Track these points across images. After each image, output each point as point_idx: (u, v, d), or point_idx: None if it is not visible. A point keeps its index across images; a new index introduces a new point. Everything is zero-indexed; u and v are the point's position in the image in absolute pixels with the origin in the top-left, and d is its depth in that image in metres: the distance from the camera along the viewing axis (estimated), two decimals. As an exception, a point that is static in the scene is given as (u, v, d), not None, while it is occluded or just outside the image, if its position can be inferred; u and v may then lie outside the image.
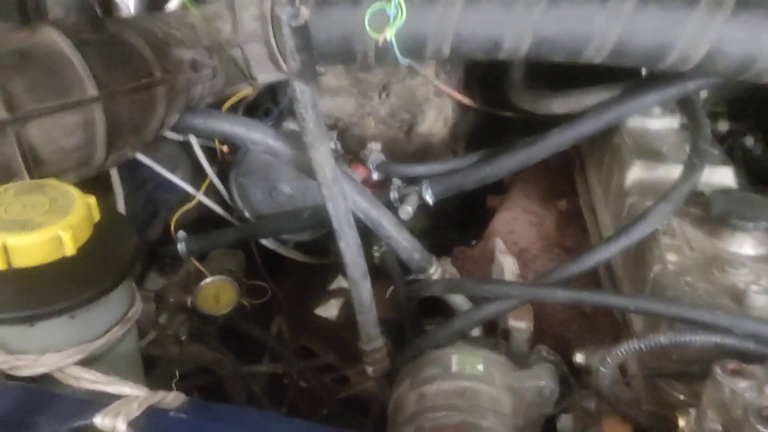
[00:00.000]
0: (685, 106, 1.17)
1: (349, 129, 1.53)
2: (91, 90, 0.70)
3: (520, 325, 1.06)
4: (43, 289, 0.59)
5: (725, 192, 0.98)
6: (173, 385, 1.20)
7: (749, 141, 1.38)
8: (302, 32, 0.74)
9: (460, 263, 1.41)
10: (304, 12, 0.72)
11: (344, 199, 0.94)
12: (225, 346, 1.53)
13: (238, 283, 1.60)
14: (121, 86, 0.72)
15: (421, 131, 1.54)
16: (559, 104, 1.27)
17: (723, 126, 1.30)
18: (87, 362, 0.62)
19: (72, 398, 0.58)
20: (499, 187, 1.56)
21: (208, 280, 1.49)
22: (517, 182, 1.54)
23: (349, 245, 0.96)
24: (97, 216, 0.64)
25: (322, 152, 0.89)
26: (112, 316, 0.65)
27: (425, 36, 0.98)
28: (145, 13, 1.01)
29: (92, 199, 0.64)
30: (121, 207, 1.15)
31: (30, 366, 0.59)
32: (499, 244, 1.24)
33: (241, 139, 1.00)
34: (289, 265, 1.81)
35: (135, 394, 0.57)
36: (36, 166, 0.69)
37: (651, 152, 1.16)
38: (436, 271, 1.10)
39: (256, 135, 0.99)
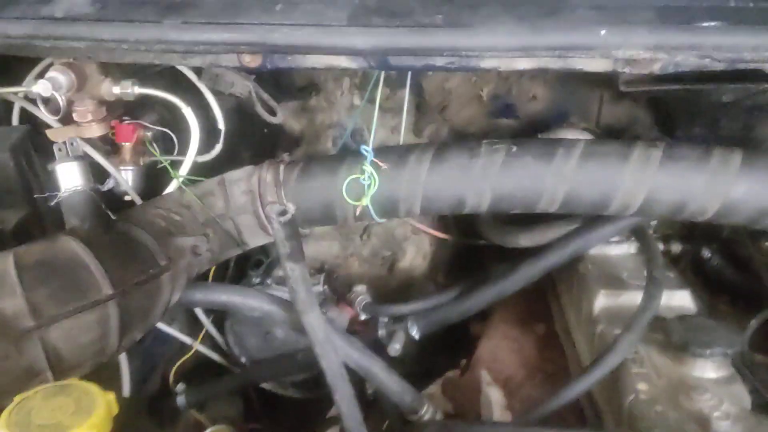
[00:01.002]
0: (637, 235, 1.29)
1: (334, 271, 1.63)
2: (106, 289, 0.79)
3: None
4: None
5: (683, 319, 1.07)
6: None
7: (706, 253, 1.49)
8: (290, 225, 0.84)
9: (450, 393, 1.47)
10: (291, 208, 0.83)
11: (336, 355, 1.02)
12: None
13: (237, 428, 1.64)
14: (131, 281, 0.82)
15: (402, 267, 1.64)
16: (525, 238, 1.38)
17: (676, 247, 1.42)
18: None
19: None
20: (481, 312, 1.65)
21: (210, 430, 1.53)
22: (496, 308, 1.62)
23: (343, 398, 1.04)
24: (115, 410, 0.71)
25: (313, 317, 0.98)
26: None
27: (397, 199, 1.09)
28: (147, 202, 1.12)
29: (111, 396, 0.72)
30: (126, 379, 1.21)
31: None
32: (485, 376, 1.32)
33: (238, 307, 1.08)
34: (286, 402, 1.84)
35: None
36: (58, 363, 0.76)
37: (613, 280, 1.26)
38: (427, 411, 1.17)
39: (252, 302, 1.08)
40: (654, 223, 1.34)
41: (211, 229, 1.12)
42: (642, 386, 1.00)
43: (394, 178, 1.08)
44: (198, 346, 1.64)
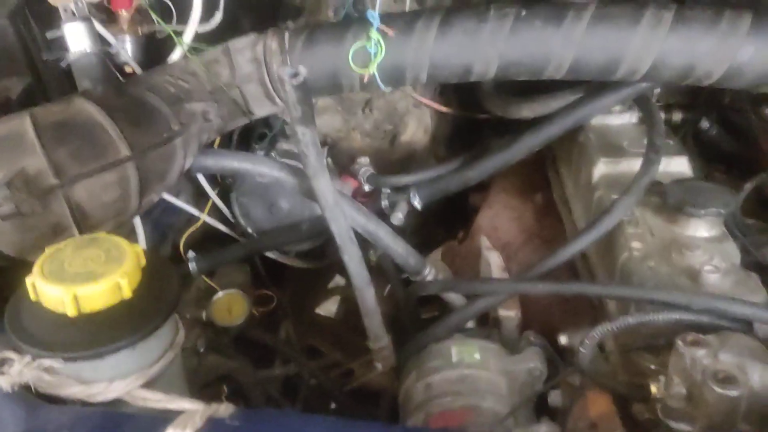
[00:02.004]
0: (640, 103, 1.30)
1: (337, 144, 1.65)
2: (124, 150, 0.81)
3: (509, 314, 1.19)
4: (108, 328, 0.70)
5: (679, 182, 1.11)
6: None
7: (705, 124, 1.51)
8: (301, 88, 0.85)
9: (449, 259, 1.54)
10: (303, 70, 0.83)
11: (345, 219, 1.06)
12: (240, 354, 1.64)
13: (247, 294, 1.72)
14: (147, 143, 0.84)
15: (404, 140, 1.66)
16: (528, 109, 1.39)
17: (677, 116, 1.43)
18: (148, 385, 0.74)
19: (143, 417, 0.69)
20: (480, 184, 1.69)
21: (220, 294, 1.61)
22: (496, 179, 1.66)
23: (352, 258, 1.09)
24: (143, 262, 0.75)
25: (323, 182, 1.01)
26: (164, 343, 0.77)
27: (404, 67, 1.09)
28: (154, 69, 1.11)
29: (139, 248, 0.75)
30: (142, 241, 1.26)
31: (103, 392, 0.70)
32: (485, 242, 1.38)
33: (250, 173, 1.11)
34: (291, 272, 1.92)
35: (194, 408, 0.69)
36: (83, 220, 0.80)
37: (613, 148, 1.29)
38: (430, 272, 1.22)
39: (263, 168, 1.10)
40: (657, 91, 1.34)
41: (218, 97, 1.13)
42: (636, 244, 1.05)
43: (401, 45, 1.08)
44: (205, 218, 1.69)
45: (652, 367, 0.94)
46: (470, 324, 1.24)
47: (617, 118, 1.38)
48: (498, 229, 1.47)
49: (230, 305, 1.62)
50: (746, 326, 0.89)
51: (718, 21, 0.99)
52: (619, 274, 1.05)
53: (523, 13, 1.04)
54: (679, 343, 0.85)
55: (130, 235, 1.27)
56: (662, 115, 1.41)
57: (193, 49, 1.17)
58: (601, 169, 1.26)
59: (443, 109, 1.65)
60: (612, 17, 1.01)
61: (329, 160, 1.56)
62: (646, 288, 0.94)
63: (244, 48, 1.15)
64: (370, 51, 1.08)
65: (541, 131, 1.31)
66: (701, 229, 1.06)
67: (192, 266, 1.57)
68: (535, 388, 1.04)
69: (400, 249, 1.19)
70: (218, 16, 1.35)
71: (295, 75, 0.82)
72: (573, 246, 1.07)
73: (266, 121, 1.63)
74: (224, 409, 0.70)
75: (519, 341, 1.09)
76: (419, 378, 1.06)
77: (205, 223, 1.71)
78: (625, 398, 0.93)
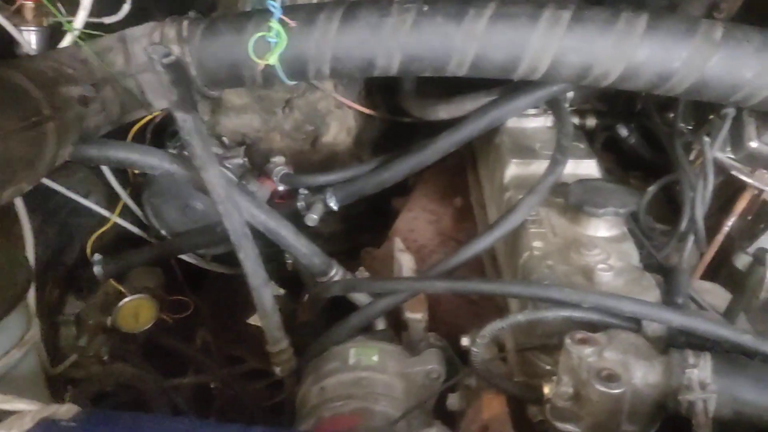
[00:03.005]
0: (552, 107, 1.30)
1: (256, 144, 1.61)
2: (-18, 133, 0.76)
3: (416, 316, 1.16)
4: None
5: (582, 182, 1.10)
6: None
7: (623, 130, 1.52)
8: (175, 68, 0.81)
9: (367, 263, 1.51)
10: (175, 50, 0.79)
11: (239, 214, 1.02)
12: (149, 362, 1.58)
13: (159, 299, 1.65)
14: (11, 126, 0.78)
15: (325, 142, 1.63)
16: (444, 110, 1.38)
17: (591, 121, 1.44)
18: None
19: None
20: (405, 189, 1.67)
21: (127, 299, 1.55)
22: (418, 183, 1.65)
23: (248, 256, 1.05)
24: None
25: (213, 173, 0.97)
26: (8, 341, 0.71)
27: (306, 59, 1.07)
28: (39, 54, 1.06)
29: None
30: (28, 236, 1.19)
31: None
32: (398, 244, 1.35)
33: (137, 165, 1.06)
34: (212, 278, 1.86)
35: (28, 409, 0.64)
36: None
37: (525, 150, 1.29)
38: (336, 273, 1.19)
39: (151, 160, 1.05)
40: (571, 96, 1.34)
41: (110, 87, 1.08)
42: (537, 244, 1.04)
43: (303, 36, 1.05)
44: (116, 219, 1.63)
45: (548, 367, 0.92)
46: (381, 325, 1.22)
47: (532, 121, 1.38)
48: (414, 232, 1.45)
49: (137, 311, 1.56)
50: (635, 324, 0.88)
51: (614, 21, 0.99)
52: (520, 273, 1.04)
53: (425, 8, 1.02)
54: (568, 341, 0.84)
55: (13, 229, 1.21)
56: (576, 120, 1.43)
57: (89, 36, 1.13)
58: (513, 170, 1.25)
59: (366, 110, 1.63)
60: (512, 15, 1.01)
61: (245, 160, 1.52)
62: (538, 285, 0.92)
63: (141, 36, 1.11)
64: (270, 42, 1.04)
65: (455, 133, 1.30)
66: (601, 229, 1.06)
67: (97, 269, 1.51)
68: (433, 391, 1.01)
69: (303, 248, 1.16)
70: (126, 8, 1.31)
71: (166, 54, 0.78)
72: (477, 244, 1.05)
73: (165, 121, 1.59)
74: (65, 411, 0.65)
75: (419, 343, 1.06)
76: (315, 381, 1.02)
77: (118, 226, 1.65)
78: (520, 400, 0.91)
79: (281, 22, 1.04)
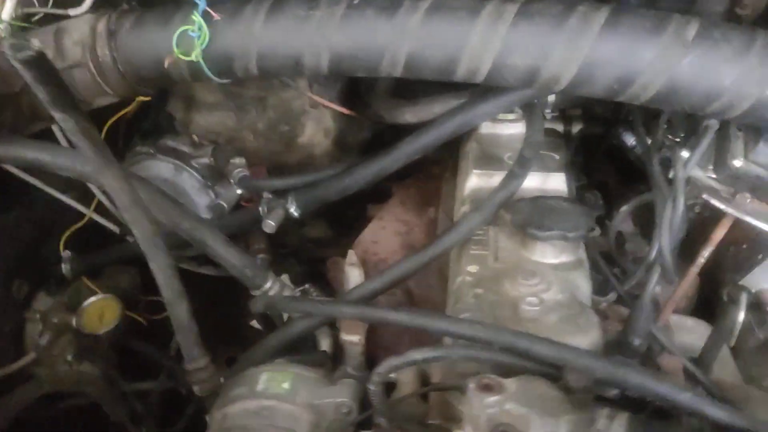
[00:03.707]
0: (525, 111, 1.17)
1: (230, 144, 1.53)
2: None
3: (352, 338, 1.07)
4: None
5: (534, 200, 0.97)
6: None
7: (629, 139, 1.36)
8: (37, 64, 0.74)
9: (332, 274, 1.42)
10: (35, 43, 0.72)
11: (148, 222, 0.95)
12: (122, 365, 1.53)
13: (134, 299, 1.61)
14: None
15: (301, 143, 1.54)
16: (411, 113, 1.27)
17: (576, 128, 1.30)
18: None
19: None
20: (382, 194, 1.57)
21: (92, 299, 1.50)
22: (397, 190, 1.54)
23: (160, 267, 0.97)
24: None
25: (111, 177, 0.89)
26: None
27: (232, 56, 0.98)
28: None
29: None
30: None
31: None
32: (350, 256, 1.25)
33: (47, 166, 1.00)
34: (210, 279, 1.80)
35: None
36: None
37: (491, 160, 1.16)
38: (273, 286, 1.10)
39: (62, 161, 0.99)
40: (551, 100, 1.21)
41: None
42: (472, 268, 0.92)
43: (228, 31, 0.97)
44: (93, 215, 1.59)
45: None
46: (325, 345, 1.12)
47: (508, 127, 1.24)
48: (378, 243, 1.34)
49: (102, 311, 1.51)
50: (557, 371, 0.75)
51: (567, 16, 0.86)
52: (451, 300, 0.93)
53: (356, 0, 0.92)
54: (471, 386, 0.72)
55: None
56: (560, 127, 1.29)
57: (20, 30, 1.07)
58: (473, 182, 1.14)
59: (345, 111, 1.53)
60: (450, 9, 0.89)
61: (212, 160, 1.45)
62: (447, 318, 0.81)
63: (73, 30, 1.05)
64: (193, 36, 0.96)
65: (419, 138, 1.19)
66: (548, 254, 0.93)
67: (65, 267, 1.47)
68: (346, 427, 0.91)
69: (234, 259, 1.07)
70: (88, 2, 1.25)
71: (21, 49, 0.71)
72: (401, 266, 0.95)
73: (151, 116, 1.53)
74: None
75: (334, 373, 0.96)
76: (220, 407, 0.93)
77: (97, 224, 1.62)
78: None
79: (205, 15, 0.96)
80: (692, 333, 1.02)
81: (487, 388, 0.72)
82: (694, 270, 0.94)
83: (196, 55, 0.97)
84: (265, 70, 0.98)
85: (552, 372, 0.75)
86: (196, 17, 0.96)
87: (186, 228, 1.04)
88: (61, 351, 1.49)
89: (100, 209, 1.58)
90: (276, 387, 0.93)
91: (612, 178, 1.44)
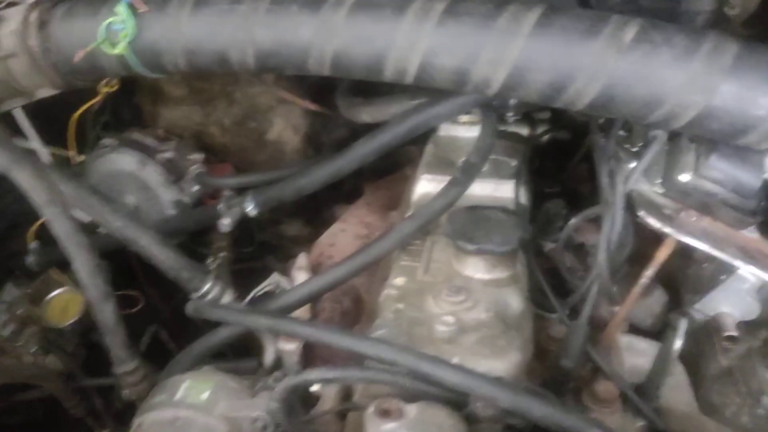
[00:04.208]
0: (482, 113, 1.11)
1: (197, 139, 1.50)
2: None
3: (290, 347, 1.03)
4: None
5: (471, 210, 0.92)
6: None
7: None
8: None
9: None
10: (33, 35, 0.69)
11: (68, 220, 0.92)
12: (89, 359, 1.51)
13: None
14: None
15: (269, 139, 1.50)
16: (367, 113, 1.22)
17: (542, 131, 1.23)
18: None
19: None
20: (352, 193, 1.52)
21: (56, 292, 1.49)
22: (367, 191, 1.49)
23: (83, 266, 0.94)
24: None
25: (24, 176, 0.87)
26: None
27: (159, 50, 0.94)
28: None
29: None
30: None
31: None
32: (300, 260, 1.21)
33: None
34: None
35: None
36: None
37: (444, 164, 1.11)
38: (211, 289, 1.06)
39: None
40: (513, 102, 1.14)
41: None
42: (399, 281, 0.87)
43: (155, 24, 0.93)
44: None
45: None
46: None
47: (468, 129, 1.19)
48: (335, 247, 1.30)
49: (66, 305, 1.49)
50: (463, 398, 0.70)
51: (497, 16, 0.80)
52: (377, 314, 0.87)
53: (281, -6, 0.87)
54: (370, 410, 0.68)
55: None
56: (525, 131, 1.23)
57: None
58: (422, 186, 1.09)
59: (312, 107, 1.48)
60: (375, 6, 0.83)
61: (174, 155, 1.42)
62: (352, 335, 0.76)
63: (10, 19, 1.02)
64: (118, 29, 0.93)
65: (372, 140, 1.14)
66: (480, 269, 0.87)
67: (30, 259, 1.46)
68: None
69: (169, 261, 1.04)
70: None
71: None
72: (328, 275, 0.90)
73: (114, 108, 1.51)
74: None
75: (255, 383, 0.92)
76: (139, 414, 0.90)
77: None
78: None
79: (131, 6, 0.92)
80: (644, 356, 0.95)
81: (386, 414, 0.67)
82: (636, 290, 0.88)
83: (122, 48, 0.94)
84: (193, 66, 0.94)
85: (455, 398, 0.70)
86: (121, 8, 0.92)
87: (117, 227, 1.00)
88: (25, 343, 1.48)
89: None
90: (194, 397, 0.89)
91: (587, 185, 1.37)
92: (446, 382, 0.68)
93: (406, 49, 0.83)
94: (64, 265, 1.55)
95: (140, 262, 1.68)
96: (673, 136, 0.87)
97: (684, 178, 0.83)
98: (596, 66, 0.77)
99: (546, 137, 1.23)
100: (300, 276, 1.16)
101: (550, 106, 0.84)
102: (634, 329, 1.03)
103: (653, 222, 0.82)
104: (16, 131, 1.45)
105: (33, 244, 1.48)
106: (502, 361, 0.74)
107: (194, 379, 0.93)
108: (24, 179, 0.87)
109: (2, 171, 0.86)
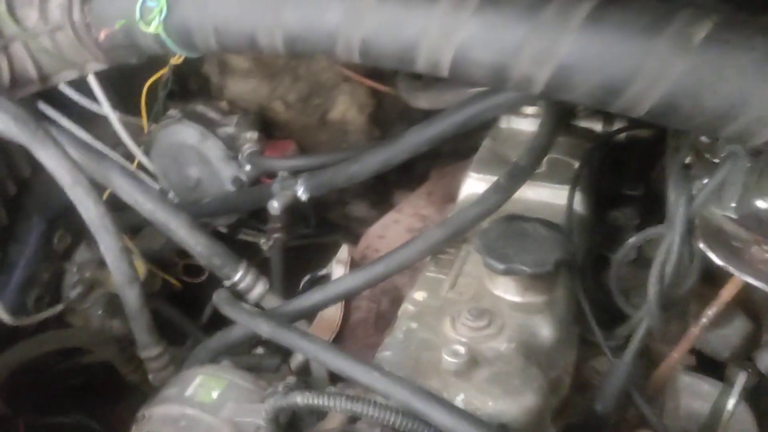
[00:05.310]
0: (545, 107, 0.99)
1: (261, 114, 1.47)
2: None
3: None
4: None
5: (509, 220, 0.81)
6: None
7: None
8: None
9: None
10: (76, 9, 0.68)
11: (96, 202, 0.90)
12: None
13: (170, 261, 1.61)
14: None
15: (333, 118, 1.44)
16: (425, 99, 1.14)
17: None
18: None
19: None
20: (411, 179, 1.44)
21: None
22: (432, 178, 1.40)
23: (109, 249, 0.93)
24: None
25: (49, 155, 0.85)
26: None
27: (190, 29, 0.89)
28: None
29: None
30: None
31: None
32: (342, 252, 1.16)
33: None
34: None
35: None
36: None
37: (497, 161, 1.01)
38: (243, 278, 1.03)
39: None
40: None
41: (19, 43, 1.00)
42: (419, 295, 0.79)
43: (185, 3, 0.88)
44: (136, 172, 1.59)
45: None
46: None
47: (532, 123, 1.07)
48: (384, 239, 1.23)
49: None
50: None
51: (542, 6, 0.68)
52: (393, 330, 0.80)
53: (310, -26, 0.79)
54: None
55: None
56: (599, 126, 1.10)
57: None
58: (469, 186, 0.99)
59: (379, 87, 1.41)
60: (407, -12, 0.74)
61: (232, 130, 1.39)
62: (342, 356, 0.69)
63: (57, -8, 1.01)
64: (151, 6, 0.89)
65: (426, 129, 1.06)
66: (510, 290, 0.77)
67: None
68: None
69: (200, 247, 1.01)
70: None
71: None
72: (339, 284, 0.83)
73: (181, 78, 1.49)
74: None
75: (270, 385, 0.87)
76: (148, 405, 0.88)
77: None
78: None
79: (163, -16, 0.88)
80: (707, 399, 0.82)
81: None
82: (695, 330, 0.75)
83: (155, 27, 0.90)
84: (224, 46, 0.89)
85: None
86: (153, -16, 0.88)
87: (148, 209, 0.98)
88: (92, 305, 1.52)
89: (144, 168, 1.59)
90: (204, 394, 0.87)
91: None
92: (438, 425, 0.60)
93: (439, 39, 0.73)
94: (135, 230, 1.59)
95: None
96: (758, 152, 0.72)
97: (762, 204, 0.69)
98: (658, 69, 0.64)
99: (623, 135, 1.08)
100: (338, 270, 1.10)
101: (604, 110, 0.71)
102: (710, 362, 0.89)
103: (715, 257, 0.68)
104: (91, 97, 1.48)
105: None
106: (513, 404, 0.65)
107: (207, 375, 0.90)
108: (47, 157, 0.85)
109: (26, 144, 0.84)
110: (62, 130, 0.94)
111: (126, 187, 0.96)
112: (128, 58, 1.03)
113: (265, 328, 0.78)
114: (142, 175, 1.58)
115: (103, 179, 0.96)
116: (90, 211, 0.90)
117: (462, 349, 0.68)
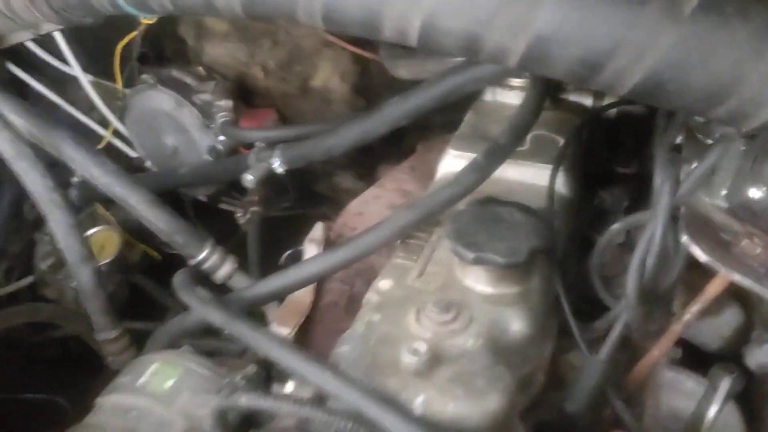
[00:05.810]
0: (530, 81, 0.92)
1: (240, 81, 1.40)
2: None
3: (282, 331, 0.93)
4: None
5: (482, 205, 0.75)
6: None
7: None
8: None
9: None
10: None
11: (41, 176, 0.84)
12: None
13: (148, 231, 1.56)
14: None
15: (314, 87, 1.37)
16: (404, 68, 1.07)
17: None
18: None
19: None
20: (398, 154, 1.37)
21: (94, 229, 1.47)
22: (418, 151, 1.33)
23: (59, 226, 0.87)
24: None
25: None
26: None
27: (144, -11, 0.82)
28: None
29: None
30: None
31: None
32: (316, 230, 1.10)
33: None
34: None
35: None
36: None
37: (480, 138, 0.94)
38: (210, 257, 0.97)
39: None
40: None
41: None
42: (384, 284, 0.74)
43: (138, -41, 0.81)
44: (111, 138, 1.54)
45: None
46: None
47: (518, 96, 1.00)
48: (363, 216, 1.16)
49: (103, 243, 1.47)
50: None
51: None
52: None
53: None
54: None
55: None
56: (589, 101, 1.03)
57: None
58: (447, 163, 0.93)
59: (363, 53, 1.33)
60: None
61: (208, 97, 1.32)
62: (294, 353, 0.64)
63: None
64: (101, -40, 0.82)
65: (405, 101, 0.99)
66: (482, 280, 0.72)
67: (72, 193, 1.43)
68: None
69: (162, 223, 0.95)
70: None
71: None
72: (301, 270, 0.77)
73: (155, 41, 1.42)
74: None
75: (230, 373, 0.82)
76: (102, 393, 0.84)
77: (116, 149, 1.57)
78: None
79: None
80: (690, 398, 0.77)
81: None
82: (677, 328, 0.69)
83: (107, -16, 0.83)
84: (179, 7, 0.81)
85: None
86: (104, -59, 0.81)
87: (104, 183, 0.92)
88: (66, 277, 1.47)
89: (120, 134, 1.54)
90: (158, 383, 0.82)
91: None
92: (387, 427, 0.55)
93: (406, 5, 0.66)
94: (109, 201, 1.53)
95: (194, 204, 1.64)
96: (752, 135, 0.66)
97: (755, 193, 0.62)
98: (643, 41, 0.57)
99: (614, 110, 1.01)
100: (310, 249, 1.04)
101: (585, 86, 0.65)
102: (699, 353, 0.84)
103: (699, 253, 0.62)
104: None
105: (75, 178, 1.45)
106: (475, 407, 0.60)
107: (164, 361, 0.85)
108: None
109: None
110: (7, 98, 0.87)
111: (79, 159, 0.90)
112: (83, 19, 0.96)
113: (216, 318, 0.72)
114: (118, 142, 1.54)
115: (55, 150, 0.90)
116: (36, 184, 0.85)
117: (423, 347, 0.62)
